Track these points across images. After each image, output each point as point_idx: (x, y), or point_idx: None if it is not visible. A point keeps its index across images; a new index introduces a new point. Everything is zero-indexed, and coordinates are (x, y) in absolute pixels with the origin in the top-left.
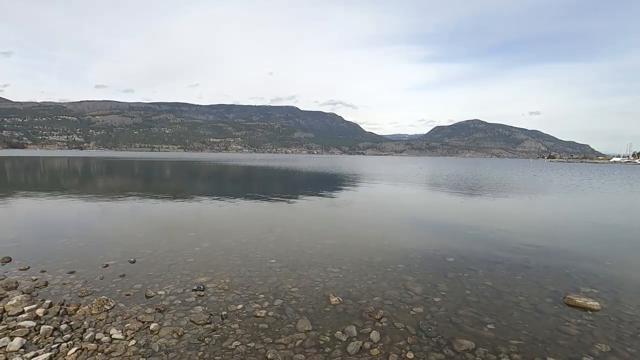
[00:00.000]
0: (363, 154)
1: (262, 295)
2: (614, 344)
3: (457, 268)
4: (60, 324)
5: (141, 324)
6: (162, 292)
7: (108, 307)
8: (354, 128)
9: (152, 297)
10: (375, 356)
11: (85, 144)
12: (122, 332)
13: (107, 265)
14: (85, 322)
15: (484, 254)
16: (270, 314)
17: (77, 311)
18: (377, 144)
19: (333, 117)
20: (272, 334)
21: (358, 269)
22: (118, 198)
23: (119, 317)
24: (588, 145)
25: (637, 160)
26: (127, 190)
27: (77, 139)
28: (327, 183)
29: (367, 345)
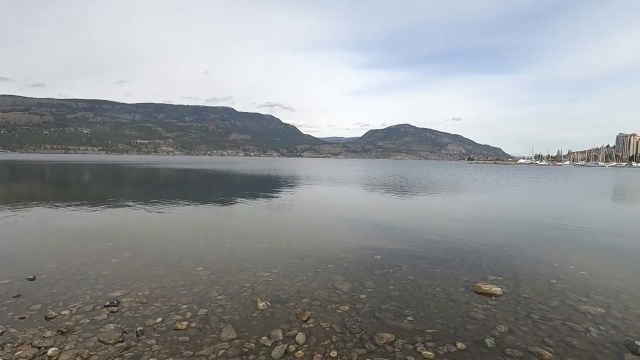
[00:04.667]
0: (301, 156)
1: (185, 306)
2: (512, 324)
3: (383, 265)
4: None
5: (37, 349)
6: (67, 312)
7: None
8: (291, 130)
9: (53, 318)
10: (299, 358)
11: None
12: None
13: None
14: None
15: (409, 250)
16: (193, 325)
17: None
18: (315, 146)
19: (271, 119)
20: (192, 346)
21: (289, 272)
22: (20, 206)
23: (8, 345)
24: (500, 148)
25: (537, 162)
26: (32, 197)
27: None
28: (264, 186)
29: (292, 348)
